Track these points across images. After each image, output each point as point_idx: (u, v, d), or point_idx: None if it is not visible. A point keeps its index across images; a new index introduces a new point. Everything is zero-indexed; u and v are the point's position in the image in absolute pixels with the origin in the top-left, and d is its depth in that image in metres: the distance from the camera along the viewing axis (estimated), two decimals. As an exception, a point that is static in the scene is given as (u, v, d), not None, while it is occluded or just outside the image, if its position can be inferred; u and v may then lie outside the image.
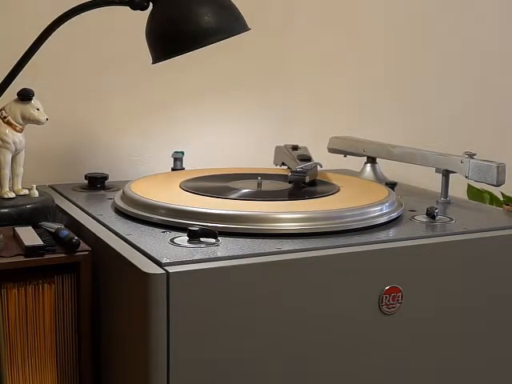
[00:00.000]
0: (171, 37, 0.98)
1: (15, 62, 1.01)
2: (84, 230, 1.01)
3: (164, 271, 0.81)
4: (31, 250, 0.89)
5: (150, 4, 1.00)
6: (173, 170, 1.36)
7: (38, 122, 1.09)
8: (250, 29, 1.02)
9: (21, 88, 1.07)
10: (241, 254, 0.87)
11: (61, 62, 1.37)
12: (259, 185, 1.14)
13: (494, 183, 1.15)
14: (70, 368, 0.94)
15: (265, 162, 1.44)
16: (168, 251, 0.87)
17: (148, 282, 0.80)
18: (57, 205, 1.12)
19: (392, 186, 1.21)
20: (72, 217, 1.07)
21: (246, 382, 0.87)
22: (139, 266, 0.82)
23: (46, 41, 1.00)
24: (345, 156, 1.47)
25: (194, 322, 0.82)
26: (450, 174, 1.21)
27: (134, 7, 1.00)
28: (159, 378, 0.82)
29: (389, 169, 1.43)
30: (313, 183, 1.19)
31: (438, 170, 1.22)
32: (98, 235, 0.96)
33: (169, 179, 1.20)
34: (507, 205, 1.15)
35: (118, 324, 0.91)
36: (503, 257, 1.03)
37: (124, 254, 0.87)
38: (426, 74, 1.77)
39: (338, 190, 1.14)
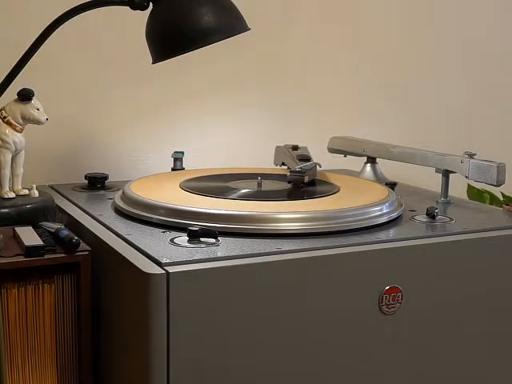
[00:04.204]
0: (171, 37, 0.98)
1: (15, 62, 1.01)
2: (84, 230, 1.01)
3: (164, 271, 0.81)
4: (31, 250, 0.89)
5: (150, 4, 1.01)
6: (173, 170, 1.36)
7: (38, 122, 1.09)
8: (250, 29, 1.02)
9: (21, 88, 1.07)
10: (241, 253, 0.87)
11: (61, 62, 1.37)
12: (259, 185, 1.14)
13: (494, 183, 1.15)
14: (70, 368, 0.94)
15: (265, 162, 1.44)
16: (168, 251, 0.87)
17: (148, 282, 0.80)
18: (57, 205, 1.12)
19: (392, 186, 1.21)
20: (72, 217, 1.07)
21: (245, 382, 0.87)
22: (139, 266, 0.82)
23: (46, 41, 1.00)
24: (345, 156, 1.47)
25: (194, 321, 0.82)
26: (450, 174, 1.21)
27: (134, 7, 1.00)
28: (159, 378, 0.82)
29: (389, 169, 1.43)
30: (313, 183, 1.19)
31: (438, 170, 1.22)
32: (98, 235, 0.96)
33: (169, 179, 1.20)
34: (507, 205, 1.15)
35: (118, 324, 0.91)
36: (503, 257, 1.03)
37: (124, 254, 0.87)
38: (426, 74, 1.77)
39: (338, 190, 1.14)
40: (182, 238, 0.92)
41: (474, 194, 1.68)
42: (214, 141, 1.53)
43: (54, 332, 0.92)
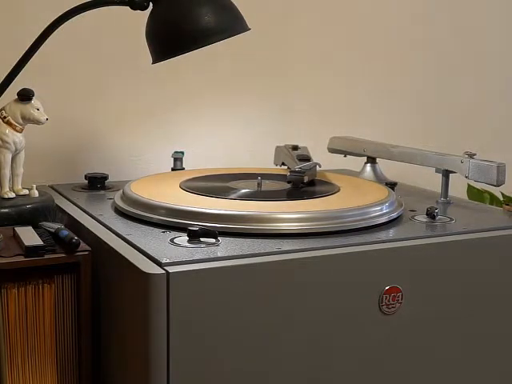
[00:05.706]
0: (171, 37, 0.98)
1: (15, 62, 1.01)
2: (84, 229, 1.01)
3: (164, 271, 0.81)
4: (31, 250, 0.89)
5: (150, 4, 1.01)
6: (173, 170, 1.36)
7: (37, 122, 1.09)
8: (249, 29, 1.02)
9: (21, 88, 1.07)
10: (241, 254, 0.87)
11: (61, 62, 1.37)
12: (259, 185, 1.14)
13: (494, 183, 1.15)
14: (70, 368, 0.94)
15: (265, 162, 1.44)
16: (168, 251, 0.87)
17: (148, 282, 0.80)
18: (57, 205, 1.12)
19: (392, 186, 1.21)
20: (72, 217, 1.07)
21: (245, 382, 0.87)
22: (139, 266, 0.82)
23: (46, 41, 1.00)
24: (345, 156, 1.47)
25: (194, 322, 0.82)
26: (450, 174, 1.21)
27: (134, 7, 1.00)
28: (159, 378, 0.82)
29: (389, 169, 1.43)
30: (312, 183, 1.19)
31: (438, 170, 1.22)
32: (98, 235, 0.96)
33: (169, 179, 1.20)
34: (507, 205, 1.15)
35: (118, 324, 0.91)
36: (503, 257, 1.03)
37: (124, 254, 0.87)
38: (426, 74, 1.77)
39: (338, 190, 1.14)
40: (182, 238, 0.92)
41: (474, 194, 1.68)
42: (214, 141, 1.53)
43: (54, 332, 0.92)
